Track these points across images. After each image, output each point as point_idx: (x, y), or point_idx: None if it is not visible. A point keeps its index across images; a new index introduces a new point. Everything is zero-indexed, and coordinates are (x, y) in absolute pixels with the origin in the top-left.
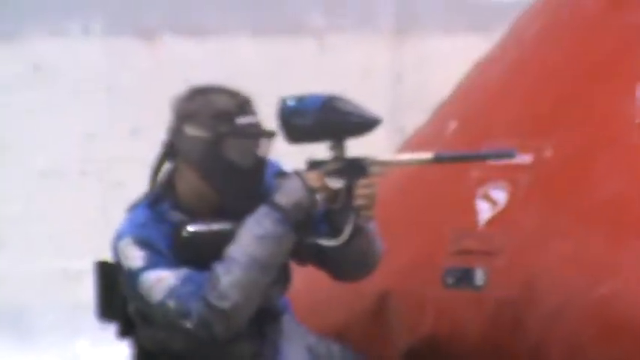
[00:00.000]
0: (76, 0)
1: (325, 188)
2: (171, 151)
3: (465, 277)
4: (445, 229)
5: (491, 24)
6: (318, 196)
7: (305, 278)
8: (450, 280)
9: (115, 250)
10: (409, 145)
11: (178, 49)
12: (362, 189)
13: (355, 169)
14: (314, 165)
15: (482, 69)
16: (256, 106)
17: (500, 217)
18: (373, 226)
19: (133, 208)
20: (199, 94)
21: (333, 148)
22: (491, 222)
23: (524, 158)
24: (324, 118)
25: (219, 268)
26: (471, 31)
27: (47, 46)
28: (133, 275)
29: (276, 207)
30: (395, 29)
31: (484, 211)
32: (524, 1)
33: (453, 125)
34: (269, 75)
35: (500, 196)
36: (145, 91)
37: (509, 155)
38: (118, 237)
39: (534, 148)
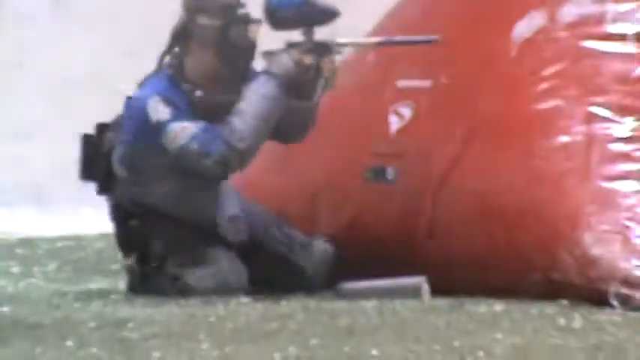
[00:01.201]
0: None
1: (301, 63)
2: (182, 38)
3: (380, 173)
4: (366, 137)
5: None
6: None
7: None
8: (369, 176)
9: (141, 109)
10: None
11: None
12: (327, 64)
13: (322, 48)
14: (291, 45)
15: (395, 10)
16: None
17: (406, 128)
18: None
19: (147, 79)
20: None
21: (305, 33)
22: (400, 131)
23: (425, 83)
24: (299, 9)
25: (234, 119)
26: None
27: None
28: (161, 126)
29: (274, 75)
30: None
31: (394, 123)
32: None
33: (370, 56)
34: None
35: (407, 112)
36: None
37: (435, 41)
38: (145, 96)
39: (432, 75)
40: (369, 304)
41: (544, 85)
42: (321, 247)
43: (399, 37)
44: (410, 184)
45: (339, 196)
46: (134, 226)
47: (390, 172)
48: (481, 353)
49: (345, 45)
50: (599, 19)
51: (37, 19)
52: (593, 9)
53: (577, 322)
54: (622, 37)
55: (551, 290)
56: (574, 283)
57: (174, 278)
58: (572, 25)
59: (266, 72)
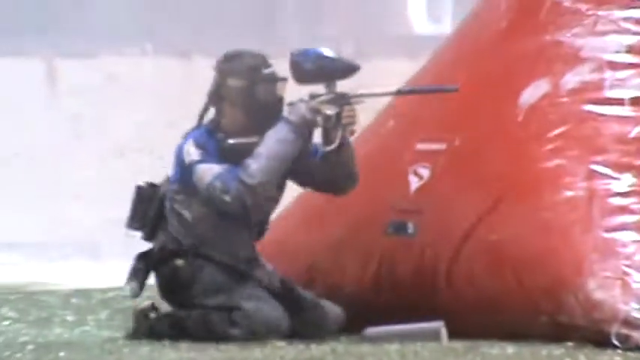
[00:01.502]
0: (134, 28)
1: (321, 112)
2: (215, 98)
3: (401, 227)
4: (388, 195)
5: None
6: (318, 118)
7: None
8: (391, 230)
9: (180, 151)
10: (358, 140)
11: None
12: (347, 113)
13: (343, 99)
14: (314, 97)
15: (413, 82)
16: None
17: (424, 187)
18: (352, 149)
19: (189, 132)
20: (232, 57)
21: (327, 86)
22: (418, 190)
23: (441, 146)
24: (321, 65)
25: (250, 160)
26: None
27: (115, 61)
28: (192, 166)
29: (289, 122)
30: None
31: (414, 182)
32: (441, 34)
33: (391, 123)
34: None
35: (425, 172)
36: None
37: (454, 90)
38: (183, 142)
39: (447, 139)
40: (393, 347)
41: (549, 146)
42: (331, 307)
43: (418, 87)
44: (428, 237)
45: (363, 249)
46: (179, 266)
47: (411, 227)
48: None
49: (364, 96)
50: (599, 86)
51: (90, 94)
52: (593, 77)
53: None
54: (619, 102)
55: (558, 332)
56: (579, 324)
57: (220, 310)
58: (574, 92)
59: (283, 118)
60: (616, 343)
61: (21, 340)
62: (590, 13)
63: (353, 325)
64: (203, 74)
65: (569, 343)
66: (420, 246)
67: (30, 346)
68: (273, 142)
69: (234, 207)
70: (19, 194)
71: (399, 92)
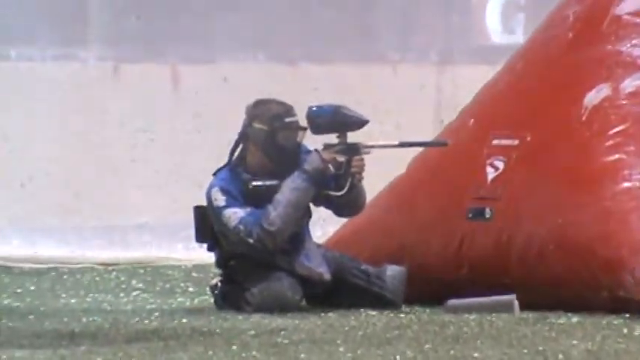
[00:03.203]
0: (247, 37)
1: (334, 160)
2: (243, 137)
3: (479, 213)
4: (468, 184)
5: (496, 59)
6: (330, 166)
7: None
8: (471, 215)
9: (209, 196)
10: (443, 134)
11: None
12: (356, 162)
13: (352, 149)
14: (327, 147)
15: (490, 87)
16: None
17: (500, 177)
18: (361, 186)
19: (218, 171)
20: (261, 103)
21: (339, 137)
22: (494, 180)
23: (514, 141)
24: (334, 119)
25: (270, 207)
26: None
27: (232, 65)
28: (219, 211)
29: (304, 171)
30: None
31: (490, 173)
32: (515, 44)
33: (471, 121)
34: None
35: (500, 164)
36: None
37: (444, 144)
38: (210, 187)
39: (520, 136)
40: (471, 317)
41: (610, 143)
42: (394, 270)
43: (415, 140)
44: (504, 221)
45: (447, 231)
46: (232, 265)
47: (488, 212)
48: (561, 356)
49: (371, 147)
50: None
51: (208, 95)
52: None
53: (637, 331)
54: None
55: (617, 305)
56: (635, 299)
57: (243, 290)
58: (632, 95)
59: (300, 168)
60: None
61: (148, 308)
62: None
63: (436, 297)
64: (308, 80)
65: (627, 315)
66: (496, 229)
67: (156, 313)
68: (290, 191)
69: (256, 248)
70: (149, 181)
71: (401, 145)
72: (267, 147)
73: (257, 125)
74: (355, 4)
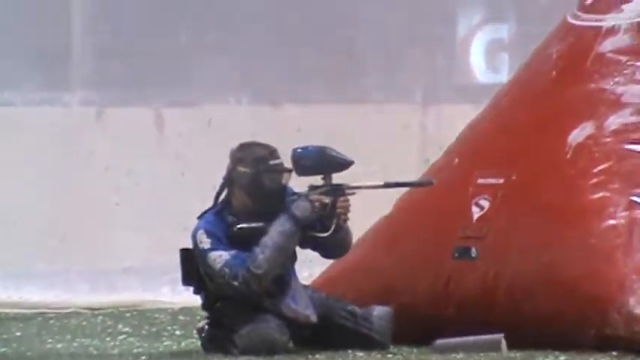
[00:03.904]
0: (231, 80)
1: (320, 202)
2: (228, 181)
3: (465, 252)
4: (454, 224)
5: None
6: (315, 209)
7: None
8: (457, 254)
9: (194, 238)
10: (428, 173)
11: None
12: (341, 203)
13: (337, 191)
14: (313, 188)
15: (474, 125)
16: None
17: (485, 216)
18: (347, 227)
19: (203, 214)
20: (245, 146)
21: (324, 178)
22: (480, 219)
23: (500, 180)
24: (319, 160)
25: (257, 250)
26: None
27: (215, 108)
28: (204, 253)
29: (293, 216)
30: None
31: (476, 212)
32: (499, 83)
33: (456, 160)
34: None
35: (485, 203)
36: None
37: (430, 184)
38: (196, 230)
39: (505, 174)
40: (458, 357)
41: (594, 180)
42: (381, 310)
43: (400, 180)
44: (490, 260)
45: (433, 271)
46: (219, 308)
47: (474, 252)
48: None
49: (356, 188)
50: (638, 127)
51: (192, 137)
52: (633, 119)
53: None
54: None
55: (604, 343)
56: (622, 336)
57: (230, 332)
58: (616, 132)
59: (288, 212)
60: None
61: (135, 352)
62: (629, 63)
63: (424, 337)
64: (292, 121)
65: (614, 353)
66: (482, 267)
67: (143, 357)
68: (278, 235)
69: (241, 291)
70: (134, 224)
71: (386, 185)
72: (252, 190)
73: (241, 169)
74: (339, 44)
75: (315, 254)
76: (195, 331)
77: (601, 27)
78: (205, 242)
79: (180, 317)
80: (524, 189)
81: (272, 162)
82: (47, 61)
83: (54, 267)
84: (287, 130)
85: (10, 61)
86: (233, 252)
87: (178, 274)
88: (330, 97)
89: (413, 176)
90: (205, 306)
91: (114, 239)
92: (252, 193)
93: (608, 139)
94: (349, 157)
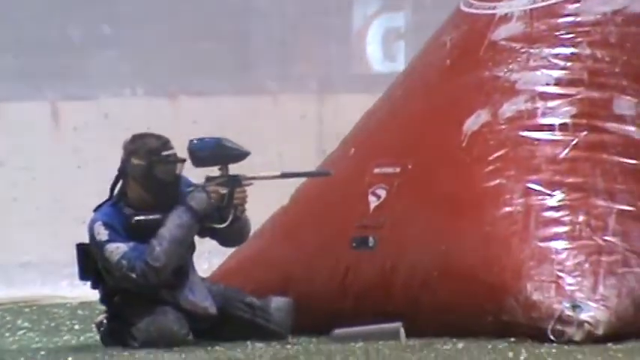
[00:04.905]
0: (127, 73)
1: (216, 192)
2: (123, 173)
3: (363, 242)
4: (351, 213)
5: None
6: (212, 200)
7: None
8: (355, 244)
9: (91, 230)
10: (325, 164)
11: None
12: (238, 194)
13: (234, 182)
14: (209, 179)
15: (370, 115)
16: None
17: (382, 205)
18: (245, 217)
19: (99, 207)
20: (137, 138)
21: (221, 169)
22: (377, 208)
23: (396, 169)
24: (215, 152)
25: (154, 242)
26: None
27: (111, 101)
28: (101, 245)
29: (190, 208)
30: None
31: (373, 202)
32: (396, 72)
33: (352, 150)
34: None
35: (382, 193)
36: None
37: (327, 174)
38: (93, 222)
39: (401, 163)
40: (357, 346)
41: (490, 168)
42: (279, 301)
43: (297, 171)
44: (387, 249)
45: (332, 262)
46: (117, 301)
47: (371, 241)
48: None
49: (252, 178)
50: (532, 114)
51: (89, 131)
52: (527, 106)
53: (523, 355)
54: (551, 128)
55: (502, 329)
56: (519, 322)
57: (129, 325)
58: (511, 120)
59: (185, 204)
60: (552, 338)
61: (34, 347)
62: (523, 50)
63: (323, 327)
64: (188, 113)
65: (512, 339)
66: (380, 257)
67: (42, 352)
68: (175, 227)
69: (139, 283)
70: (31, 219)
71: (283, 176)
72: (146, 181)
73: (135, 161)
74: (233, 35)
75: (214, 245)
76: (93, 326)
77: (494, 14)
78: (103, 234)
79: (79, 312)
80: (421, 178)
81: (165, 153)
82: None
83: None
84: (183, 122)
85: None
86: (131, 244)
87: (76, 269)
88: (226, 89)
89: (310, 166)
90: (103, 300)
91: (11, 234)
92: (147, 184)
93: (503, 127)
94: (245, 149)
